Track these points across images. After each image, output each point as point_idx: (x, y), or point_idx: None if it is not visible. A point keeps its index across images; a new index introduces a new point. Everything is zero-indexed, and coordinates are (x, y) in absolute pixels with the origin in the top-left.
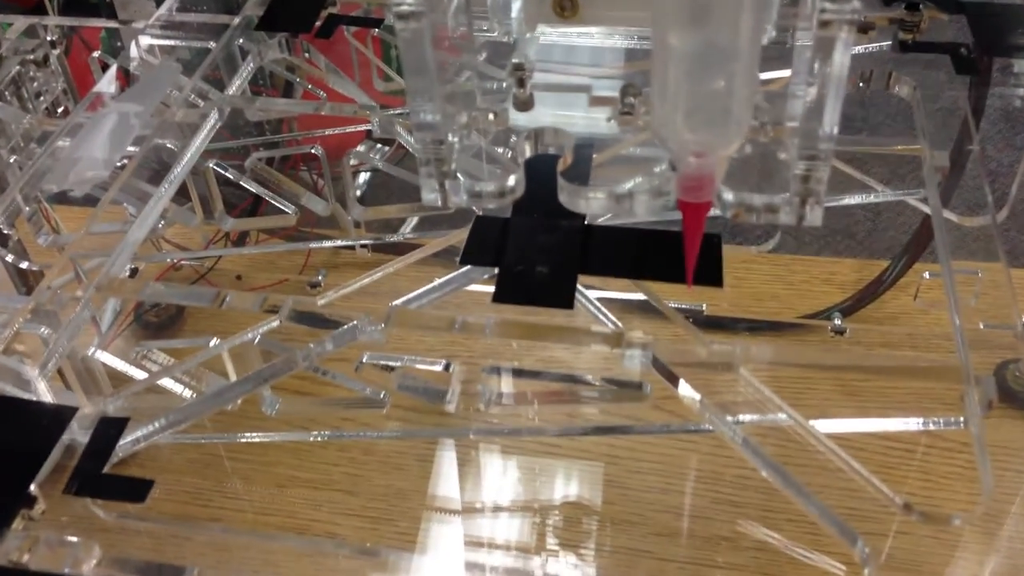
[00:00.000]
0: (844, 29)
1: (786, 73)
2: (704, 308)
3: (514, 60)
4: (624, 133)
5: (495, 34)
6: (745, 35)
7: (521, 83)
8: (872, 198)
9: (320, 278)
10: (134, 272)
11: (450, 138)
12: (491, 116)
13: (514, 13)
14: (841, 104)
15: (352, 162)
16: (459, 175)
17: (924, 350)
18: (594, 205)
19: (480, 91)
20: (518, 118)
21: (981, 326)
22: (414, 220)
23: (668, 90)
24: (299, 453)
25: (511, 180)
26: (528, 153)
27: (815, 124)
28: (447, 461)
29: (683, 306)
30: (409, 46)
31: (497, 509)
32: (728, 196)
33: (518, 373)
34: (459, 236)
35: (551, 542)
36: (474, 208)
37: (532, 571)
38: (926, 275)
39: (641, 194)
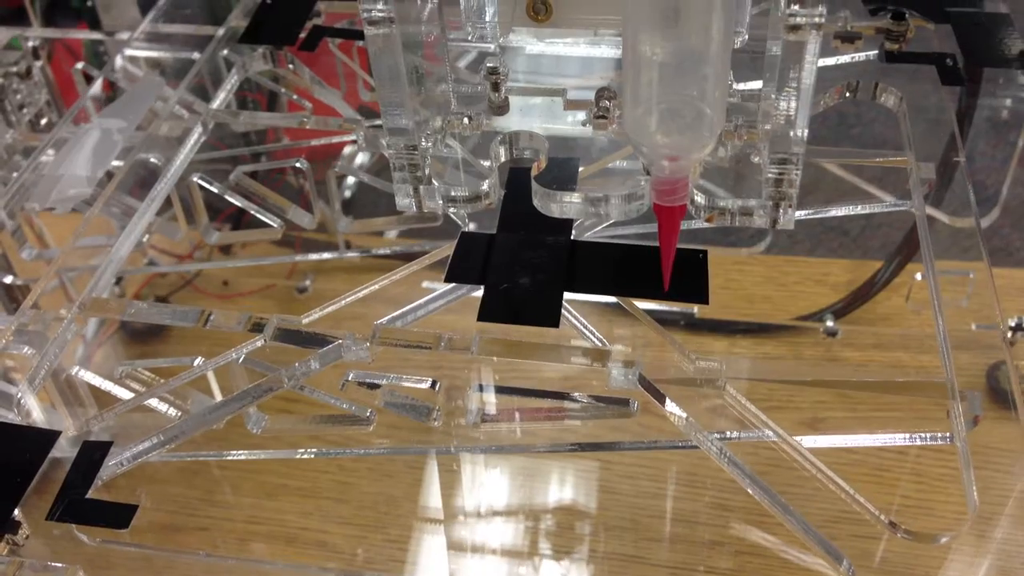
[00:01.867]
0: (813, 33)
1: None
2: (696, 311)
3: (488, 64)
4: (613, 145)
5: (470, 39)
6: (716, 39)
7: (496, 87)
8: (860, 209)
9: (308, 283)
10: (119, 279)
11: (423, 143)
12: (466, 120)
13: (488, 17)
14: (810, 107)
15: (337, 170)
16: (434, 180)
17: (916, 352)
18: (568, 208)
19: (456, 96)
20: (508, 124)
21: (973, 327)
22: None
23: (640, 94)
24: (288, 462)
25: (485, 185)
26: (503, 157)
27: (786, 128)
28: (437, 468)
29: (674, 309)
30: (380, 52)
31: (488, 515)
32: (702, 199)
33: (505, 390)
34: (448, 249)
35: (542, 548)
36: (460, 223)
37: None
38: (918, 276)
39: (615, 198)
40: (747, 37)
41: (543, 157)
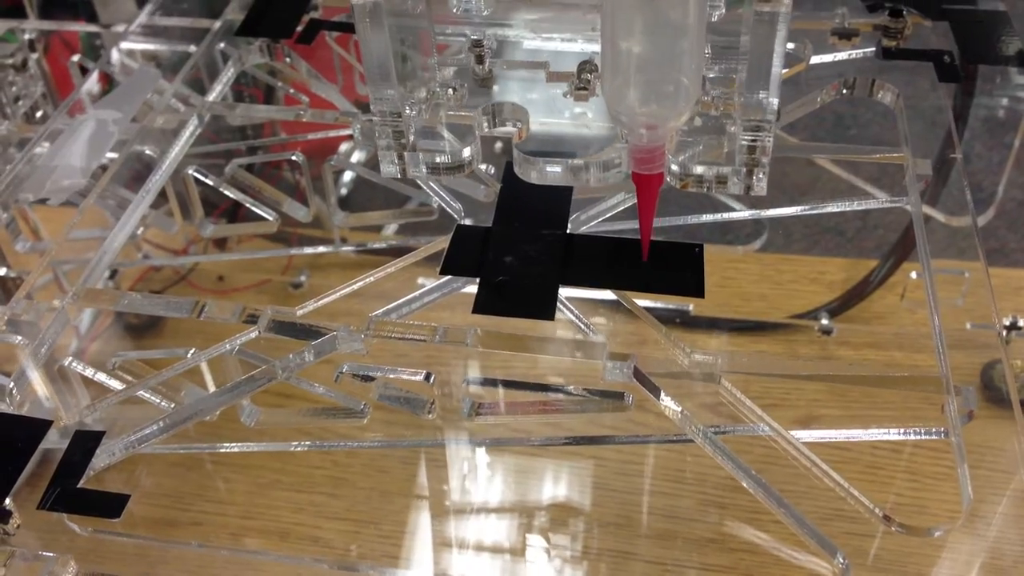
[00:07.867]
0: (783, 2)
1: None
2: (691, 308)
3: (473, 37)
4: (608, 136)
5: (456, 12)
6: (693, 9)
7: (480, 60)
8: (856, 205)
9: (303, 278)
10: (114, 273)
11: (408, 111)
12: (450, 92)
13: None
14: (781, 73)
15: (333, 164)
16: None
17: (911, 350)
18: (549, 175)
19: (440, 68)
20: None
21: (968, 326)
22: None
23: (618, 64)
24: (282, 456)
25: (467, 152)
26: (486, 128)
27: (759, 95)
28: (431, 463)
29: (670, 306)
30: (367, 23)
31: (482, 511)
32: (677, 167)
33: (499, 383)
34: (443, 243)
35: (536, 544)
36: (455, 216)
37: (518, 574)
38: (913, 275)
39: (593, 165)
40: (724, 10)
41: (524, 127)
